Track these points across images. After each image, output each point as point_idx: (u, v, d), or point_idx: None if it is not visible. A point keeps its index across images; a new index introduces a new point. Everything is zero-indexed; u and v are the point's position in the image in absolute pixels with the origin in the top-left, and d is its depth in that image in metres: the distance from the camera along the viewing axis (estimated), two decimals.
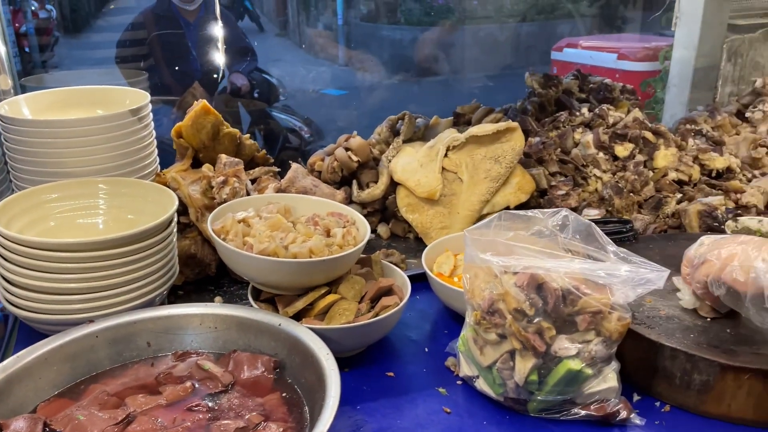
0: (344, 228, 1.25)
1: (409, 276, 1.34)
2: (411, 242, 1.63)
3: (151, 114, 1.45)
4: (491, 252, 1.02)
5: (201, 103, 1.49)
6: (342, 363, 1.15)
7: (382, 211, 1.68)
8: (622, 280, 0.98)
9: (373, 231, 1.67)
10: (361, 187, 1.65)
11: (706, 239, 1.09)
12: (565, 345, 0.98)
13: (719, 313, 1.10)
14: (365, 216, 1.66)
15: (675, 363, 1.02)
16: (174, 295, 1.39)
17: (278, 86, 2.98)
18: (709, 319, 1.09)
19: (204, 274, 1.42)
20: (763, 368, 0.96)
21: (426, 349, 1.21)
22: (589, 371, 0.98)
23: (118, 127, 1.32)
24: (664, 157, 1.69)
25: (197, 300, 1.37)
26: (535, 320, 0.97)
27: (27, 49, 4.18)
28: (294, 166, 1.57)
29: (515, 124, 1.57)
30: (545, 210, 1.09)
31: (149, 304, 1.17)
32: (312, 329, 1.05)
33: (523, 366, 0.99)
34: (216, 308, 1.08)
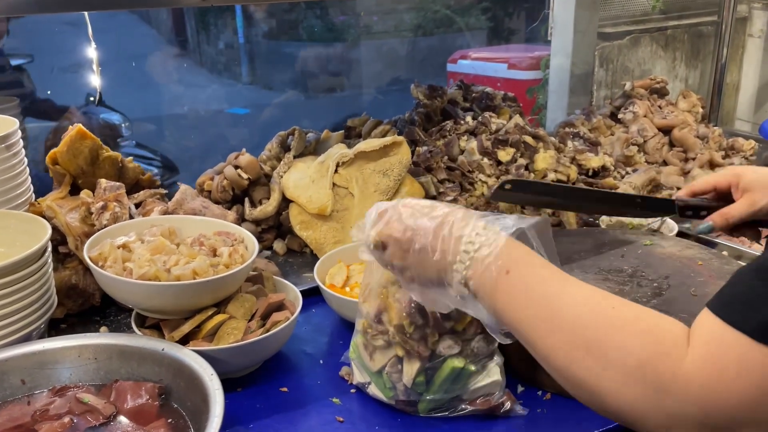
0: (231, 247, 1.24)
1: (304, 290, 1.35)
2: (308, 257, 1.63)
3: (21, 141, 1.38)
4: None
5: (76, 127, 1.44)
6: (235, 383, 1.15)
7: (277, 227, 1.68)
8: None
9: (269, 248, 1.66)
10: (253, 205, 1.64)
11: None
12: (448, 344, 1.02)
13: None
14: (260, 233, 1.66)
15: None
16: (56, 329, 1.32)
17: (121, 122, 2.73)
18: None
19: (88, 305, 1.37)
20: None
21: (321, 361, 1.22)
22: (472, 367, 1.02)
23: None
24: (543, 159, 1.78)
25: (83, 332, 1.31)
26: (417, 333, 1.00)
27: None
28: (182, 187, 1.54)
29: (401, 138, 1.61)
30: None
31: (25, 340, 1.12)
32: (198, 351, 1.03)
33: (410, 369, 1.01)
34: (94, 338, 1.04)
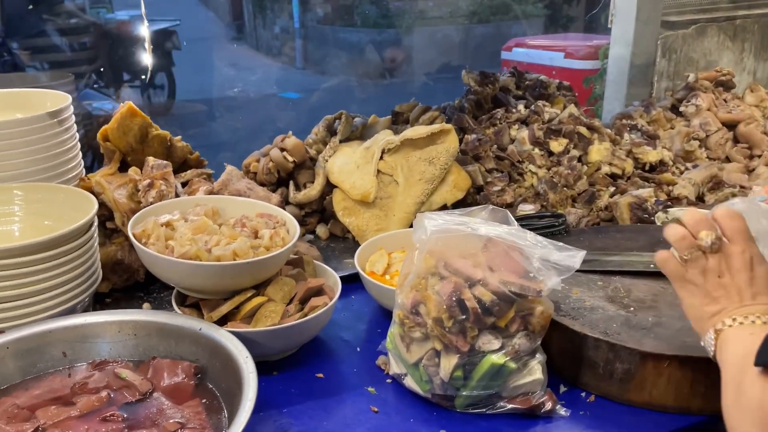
0: (273, 229, 1.23)
1: (345, 276, 1.33)
2: (350, 243, 1.61)
3: (73, 117, 1.40)
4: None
5: (126, 105, 1.46)
6: (271, 366, 1.14)
7: (321, 211, 1.67)
8: (551, 265, 0.98)
9: (312, 232, 1.65)
10: (298, 188, 1.63)
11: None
12: (488, 340, 0.98)
13: None
14: (303, 217, 1.65)
15: (598, 353, 1.03)
16: (101, 303, 1.35)
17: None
18: (632, 308, 1.11)
19: (133, 281, 1.39)
20: (681, 355, 0.98)
21: (358, 349, 1.20)
22: (512, 365, 0.98)
23: (35, 131, 1.27)
24: (598, 151, 1.71)
25: (126, 307, 1.33)
26: (456, 326, 0.96)
27: None
28: (228, 168, 1.54)
29: (449, 126, 1.57)
30: (469, 209, 1.08)
31: (69, 313, 1.13)
32: (235, 333, 1.02)
33: (448, 363, 0.99)
34: (134, 315, 1.05)
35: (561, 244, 0.99)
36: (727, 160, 2.00)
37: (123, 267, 1.36)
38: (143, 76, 5.20)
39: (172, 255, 1.08)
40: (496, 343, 0.98)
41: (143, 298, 1.36)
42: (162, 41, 5.62)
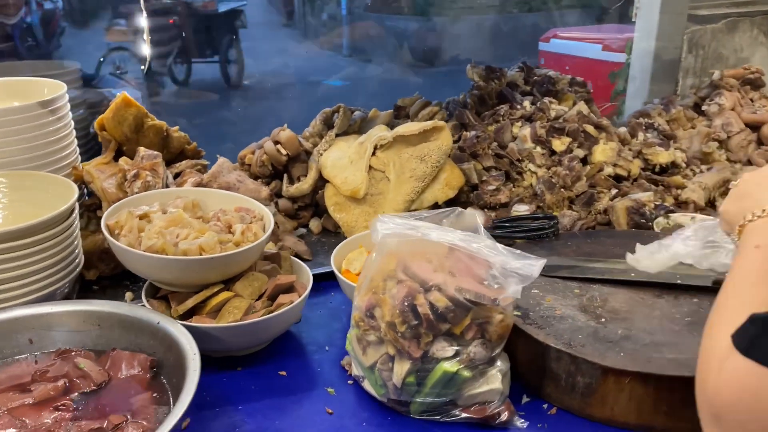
0: (249, 223, 1.23)
1: (326, 273, 1.32)
2: (342, 238, 1.58)
3: (68, 105, 1.43)
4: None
5: (121, 95, 1.48)
6: (236, 361, 1.15)
7: (314, 206, 1.66)
8: (511, 273, 0.96)
9: (305, 226, 1.65)
10: (291, 182, 1.63)
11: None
12: (442, 346, 0.96)
13: None
14: (296, 211, 1.65)
15: (560, 364, 1.00)
16: (89, 291, 1.38)
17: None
18: (603, 319, 1.07)
19: (120, 269, 1.40)
20: (643, 371, 0.93)
21: (327, 348, 1.19)
22: (466, 373, 0.96)
23: (26, 120, 1.31)
24: (602, 151, 1.65)
25: (112, 295, 1.36)
26: (409, 332, 0.94)
27: (31, 40, 4.21)
28: (220, 160, 1.55)
29: (442, 123, 1.54)
30: (435, 210, 1.06)
31: (47, 300, 1.16)
32: (193, 327, 1.03)
33: (400, 369, 0.97)
34: (98, 305, 1.07)
35: (519, 252, 0.96)
36: (749, 163, 1.90)
37: (110, 255, 1.38)
38: (220, 53, 5.77)
39: (140, 248, 1.09)
40: (450, 351, 0.96)
41: (129, 286, 1.38)
42: (233, 20, 6.12)
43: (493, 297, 0.94)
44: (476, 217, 1.04)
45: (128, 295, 1.34)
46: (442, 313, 0.94)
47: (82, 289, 1.37)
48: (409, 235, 0.95)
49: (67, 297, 1.27)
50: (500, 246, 0.96)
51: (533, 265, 0.95)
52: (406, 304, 0.94)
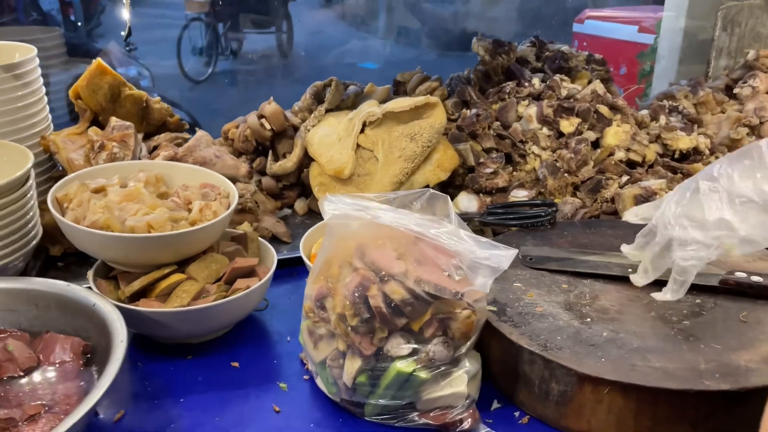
0: (213, 200, 1.14)
1: (290, 258, 1.24)
2: None
3: (38, 70, 1.35)
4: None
5: (96, 62, 1.40)
6: (188, 350, 1.06)
7: (301, 185, 1.56)
8: (478, 264, 0.84)
9: (290, 206, 1.56)
10: (276, 159, 1.53)
11: None
12: (398, 344, 0.85)
13: None
14: (281, 190, 1.55)
15: (534, 369, 0.88)
16: (53, 267, 1.31)
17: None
18: (589, 319, 0.94)
19: None
20: (624, 381, 0.81)
21: (288, 339, 1.10)
22: (424, 375, 0.85)
23: None
24: (615, 134, 1.51)
25: (76, 273, 1.29)
26: (361, 326, 0.84)
27: (72, 17, 4.23)
28: (199, 133, 1.46)
29: (435, 99, 1.42)
30: (407, 191, 0.95)
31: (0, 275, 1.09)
32: (131, 311, 0.95)
33: (351, 366, 0.87)
34: (33, 284, 0.99)
35: (488, 240, 0.84)
36: None
37: None
38: (275, 24, 6.26)
39: (83, 223, 1.01)
40: (405, 349, 0.85)
41: (95, 263, 1.31)
42: None
43: (455, 290, 0.83)
44: (448, 199, 0.92)
45: (90, 273, 1.27)
46: (398, 306, 0.83)
47: (45, 265, 1.30)
48: (356, 217, 0.84)
49: (25, 273, 1.21)
50: (464, 233, 0.85)
51: (503, 255, 0.83)
52: (356, 294, 0.84)
